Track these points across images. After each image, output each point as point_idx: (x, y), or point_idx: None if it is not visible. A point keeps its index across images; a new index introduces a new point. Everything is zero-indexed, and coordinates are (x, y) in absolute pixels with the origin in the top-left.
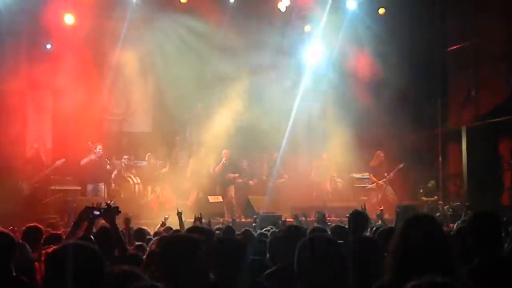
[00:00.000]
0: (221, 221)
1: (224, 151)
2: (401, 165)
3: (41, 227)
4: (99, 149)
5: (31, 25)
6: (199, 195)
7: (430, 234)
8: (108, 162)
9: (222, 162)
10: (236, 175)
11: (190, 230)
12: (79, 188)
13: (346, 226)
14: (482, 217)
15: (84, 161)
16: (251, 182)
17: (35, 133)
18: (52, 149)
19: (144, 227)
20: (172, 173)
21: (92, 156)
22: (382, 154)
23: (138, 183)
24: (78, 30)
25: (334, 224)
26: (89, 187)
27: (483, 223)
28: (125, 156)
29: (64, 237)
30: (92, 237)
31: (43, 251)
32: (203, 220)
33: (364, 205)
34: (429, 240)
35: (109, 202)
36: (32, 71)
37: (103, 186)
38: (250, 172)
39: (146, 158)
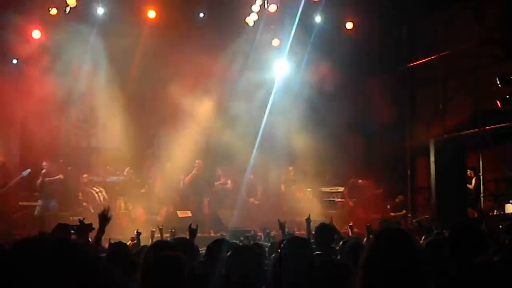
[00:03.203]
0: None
1: (197, 161)
2: (380, 191)
3: None
4: (44, 165)
5: None
6: (169, 210)
7: (400, 247)
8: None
9: (192, 173)
10: (222, 181)
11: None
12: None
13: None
14: (463, 227)
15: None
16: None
17: (2, 148)
18: (19, 164)
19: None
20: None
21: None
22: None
23: (100, 191)
24: (45, 45)
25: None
26: (39, 202)
27: (464, 233)
28: (85, 175)
29: None
30: None
31: None
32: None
33: (331, 219)
34: (398, 253)
35: (82, 219)
36: None
37: (54, 203)
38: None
39: (125, 173)
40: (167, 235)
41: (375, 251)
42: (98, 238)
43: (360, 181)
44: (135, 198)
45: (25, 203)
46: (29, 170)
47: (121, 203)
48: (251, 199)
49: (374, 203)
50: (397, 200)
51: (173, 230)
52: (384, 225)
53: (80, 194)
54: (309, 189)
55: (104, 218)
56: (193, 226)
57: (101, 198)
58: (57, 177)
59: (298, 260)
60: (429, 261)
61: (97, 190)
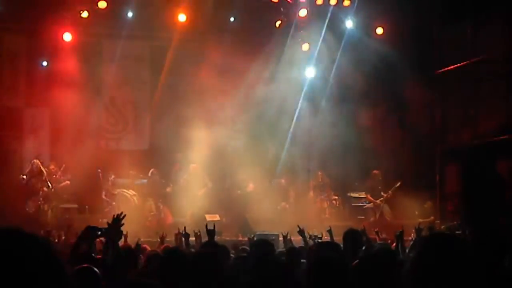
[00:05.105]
0: (217, 238)
1: (191, 165)
2: (398, 184)
3: None
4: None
5: (30, 43)
6: (194, 212)
7: (450, 252)
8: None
9: (184, 177)
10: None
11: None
12: (76, 206)
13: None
14: (485, 236)
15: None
16: None
17: (32, 150)
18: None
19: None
20: (172, 190)
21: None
22: (378, 173)
23: (135, 195)
24: (76, 48)
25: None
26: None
27: (487, 240)
28: (112, 176)
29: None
30: (93, 255)
31: None
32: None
33: (364, 226)
34: (450, 258)
35: (110, 221)
36: (29, 88)
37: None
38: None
39: (149, 174)
40: (192, 239)
41: (424, 256)
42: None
43: (375, 171)
44: (163, 199)
45: (65, 205)
46: (68, 182)
47: (152, 204)
48: (283, 203)
49: (399, 202)
50: (425, 206)
51: (199, 233)
52: (432, 231)
53: (104, 194)
54: (336, 196)
55: (114, 228)
56: (210, 227)
57: (135, 200)
58: (64, 183)
59: (331, 265)
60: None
61: (131, 193)
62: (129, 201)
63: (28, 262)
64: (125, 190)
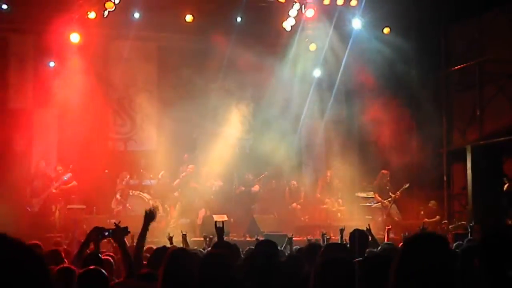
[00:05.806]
0: (225, 239)
1: (189, 166)
2: (406, 185)
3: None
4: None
5: (37, 44)
6: (206, 214)
7: (433, 252)
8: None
9: (180, 177)
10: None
11: (216, 245)
12: (84, 206)
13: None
14: (495, 237)
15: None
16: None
17: (40, 150)
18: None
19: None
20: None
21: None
22: (386, 173)
23: (151, 199)
24: (83, 49)
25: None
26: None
27: (496, 244)
28: (127, 176)
29: (64, 255)
30: (100, 255)
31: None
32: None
33: (369, 226)
34: (432, 259)
35: (117, 222)
36: (37, 89)
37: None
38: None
39: (160, 176)
40: (196, 239)
41: (407, 255)
42: (142, 235)
43: (384, 171)
44: (170, 201)
45: (73, 206)
46: (69, 174)
47: (159, 206)
48: (294, 204)
49: (406, 202)
50: (430, 205)
51: (211, 236)
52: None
53: (119, 194)
54: (341, 195)
55: (150, 216)
56: (219, 225)
57: (151, 204)
58: (71, 184)
59: (338, 266)
60: (463, 269)
61: (148, 197)
62: (146, 204)
63: (10, 269)
64: (141, 193)
